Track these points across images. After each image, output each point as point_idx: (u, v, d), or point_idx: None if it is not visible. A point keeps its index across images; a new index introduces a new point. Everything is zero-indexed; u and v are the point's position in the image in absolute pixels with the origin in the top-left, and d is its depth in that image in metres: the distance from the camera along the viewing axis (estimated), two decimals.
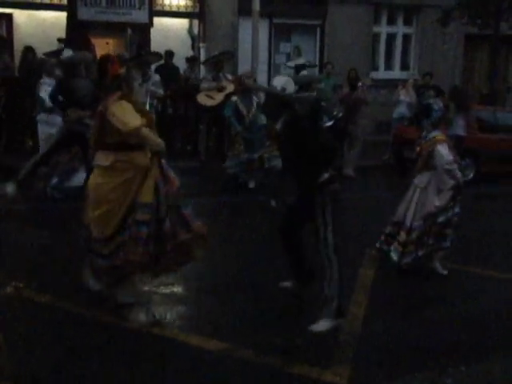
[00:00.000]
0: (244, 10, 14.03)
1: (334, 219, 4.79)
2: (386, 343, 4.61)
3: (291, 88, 5.03)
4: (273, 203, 8.20)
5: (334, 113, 11.02)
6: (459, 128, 10.35)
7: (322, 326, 4.71)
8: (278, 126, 5.00)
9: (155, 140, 4.73)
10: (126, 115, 4.61)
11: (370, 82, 13.22)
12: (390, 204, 9.36)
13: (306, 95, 5.46)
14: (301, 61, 12.37)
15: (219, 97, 11.00)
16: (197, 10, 14.60)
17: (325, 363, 4.24)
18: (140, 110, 4.82)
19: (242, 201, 9.17)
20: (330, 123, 10.68)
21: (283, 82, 5.06)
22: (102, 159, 4.72)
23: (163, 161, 4.81)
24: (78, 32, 12.19)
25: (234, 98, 9.93)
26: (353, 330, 4.79)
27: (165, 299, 5.26)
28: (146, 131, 4.67)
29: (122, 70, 4.86)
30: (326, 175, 4.77)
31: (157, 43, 13.54)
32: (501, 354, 4.49)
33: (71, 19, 12.33)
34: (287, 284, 5.42)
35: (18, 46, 12.51)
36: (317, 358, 4.32)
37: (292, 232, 5.17)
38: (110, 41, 14.81)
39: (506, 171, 11.32)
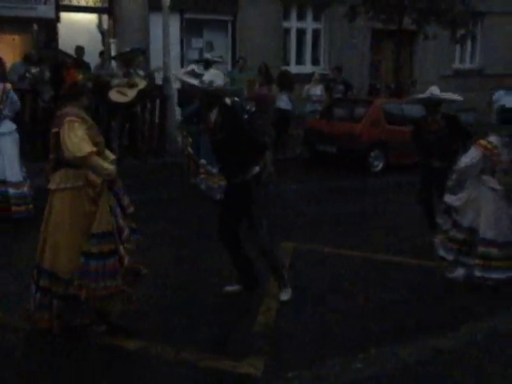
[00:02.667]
0: (154, 4, 13.87)
1: (267, 210, 5.10)
2: (299, 333, 4.76)
3: (220, 81, 5.11)
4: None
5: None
6: (283, 102, 12.67)
7: (286, 295, 5.31)
8: (213, 116, 5.10)
9: (106, 168, 4.27)
10: (76, 139, 4.18)
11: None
12: (305, 196, 9.72)
13: (233, 88, 5.57)
14: (208, 56, 12.34)
15: (132, 93, 10.90)
16: (106, 4, 14.31)
17: (240, 355, 4.32)
18: (94, 129, 4.45)
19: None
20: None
21: (212, 75, 5.16)
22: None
23: (118, 187, 4.45)
24: None
25: None
26: (267, 321, 4.91)
27: None
28: (95, 159, 4.22)
29: (80, 77, 4.50)
30: (257, 168, 5.03)
31: (65, 39, 13.18)
32: (408, 337, 4.72)
33: None
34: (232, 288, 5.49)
35: None
36: (231, 351, 4.41)
37: (231, 232, 5.31)
38: (16, 37, 14.29)
39: (411, 162, 11.80)
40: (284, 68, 14.84)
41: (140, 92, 11.00)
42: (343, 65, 15.27)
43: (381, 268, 6.34)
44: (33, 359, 4.24)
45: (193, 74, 5.68)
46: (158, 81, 12.70)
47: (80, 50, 12.10)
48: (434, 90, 6.86)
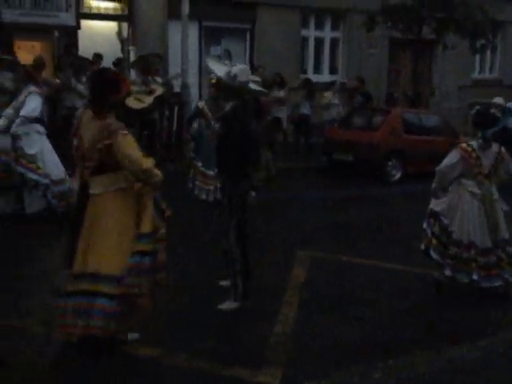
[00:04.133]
0: (173, 12, 13.98)
1: (241, 213, 5.13)
2: (316, 342, 4.71)
3: (244, 78, 5.16)
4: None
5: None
6: (306, 109, 13.55)
7: (227, 305, 5.16)
8: (227, 108, 5.18)
9: (158, 175, 4.34)
10: (137, 152, 4.27)
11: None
12: (321, 205, 9.67)
13: (254, 88, 5.58)
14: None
15: (149, 100, 10.95)
16: (126, 12, 14.43)
17: (257, 364, 4.29)
18: None
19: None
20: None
21: (239, 69, 5.20)
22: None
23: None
24: (1, 34, 11.85)
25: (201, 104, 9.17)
26: (284, 331, 4.87)
27: None
28: (155, 171, 4.31)
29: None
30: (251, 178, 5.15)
31: (85, 46, 13.29)
32: (424, 347, 4.65)
33: None
34: (226, 283, 5.45)
35: None
36: (249, 359, 4.37)
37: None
38: (37, 44, 14.43)
39: (429, 171, 11.73)
40: (303, 76, 14.85)
41: (157, 98, 11.05)
42: (361, 74, 15.24)
43: (398, 277, 6.29)
44: (49, 367, 4.23)
45: (224, 64, 5.66)
46: (177, 88, 12.76)
47: (98, 57, 12.20)
48: (498, 100, 6.85)
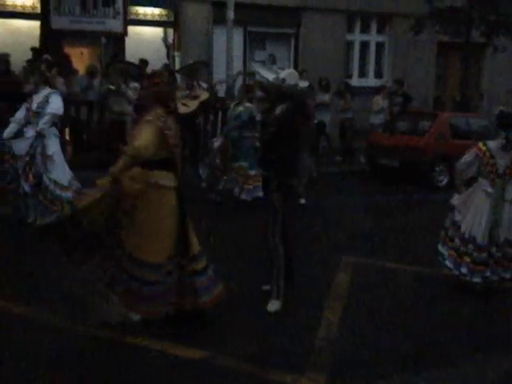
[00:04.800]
0: (218, 18, 14.08)
1: (287, 213, 5.26)
2: (360, 348, 4.64)
3: (292, 81, 5.23)
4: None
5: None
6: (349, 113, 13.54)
7: (274, 307, 5.22)
8: (277, 111, 5.22)
9: (112, 173, 4.47)
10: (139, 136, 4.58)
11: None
12: (366, 210, 9.55)
13: (302, 91, 5.62)
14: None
15: (194, 104, 11.00)
16: (171, 18, 14.61)
17: (301, 369, 4.25)
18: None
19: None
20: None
21: (287, 73, 5.31)
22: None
23: None
24: (51, 41, 12.13)
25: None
26: (328, 336, 4.82)
27: None
28: (124, 159, 4.46)
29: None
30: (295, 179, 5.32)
31: (131, 52, 13.51)
32: (474, 357, 4.53)
33: (45, 28, 12.27)
34: (269, 287, 5.44)
35: None
36: (293, 364, 4.33)
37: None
38: (85, 50, 14.74)
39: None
40: (346, 80, 14.74)
41: (202, 103, 11.10)
42: (408, 78, 15.04)
43: (444, 284, 6.14)
44: (90, 365, 4.28)
45: (271, 69, 5.71)
46: (221, 93, 12.81)
47: (143, 62, 12.37)
48: None
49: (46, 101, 7.57)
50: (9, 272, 5.98)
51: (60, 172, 7.67)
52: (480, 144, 6.00)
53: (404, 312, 5.40)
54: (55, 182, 7.54)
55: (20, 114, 7.66)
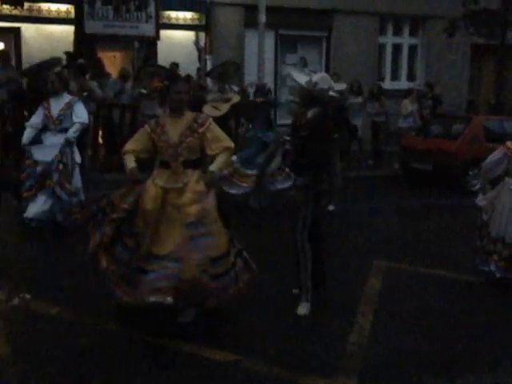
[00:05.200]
0: (250, 21, 14.11)
1: (318, 218, 5.28)
2: (391, 353, 4.58)
3: (324, 85, 5.22)
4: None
5: None
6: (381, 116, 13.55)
7: (304, 310, 5.21)
8: (309, 115, 5.23)
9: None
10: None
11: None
12: (398, 214, 9.45)
13: (337, 97, 5.60)
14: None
15: (225, 107, 11.04)
16: (203, 22, 14.69)
17: (332, 373, 4.22)
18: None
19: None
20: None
21: (319, 77, 5.30)
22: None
23: None
24: (85, 45, 12.29)
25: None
26: (359, 341, 4.77)
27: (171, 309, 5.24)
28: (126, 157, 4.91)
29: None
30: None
31: (163, 56, 13.61)
32: (509, 363, 4.44)
33: (79, 33, 12.45)
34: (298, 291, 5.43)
35: (26, 60, 12.57)
36: (324, 369, 4.30)
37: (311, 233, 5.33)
38: (117, 54, 14.90)
39: None
40: (379, 83, 14.64)
41: (233, 106, 11.13)
42: (441, 81, 14.87)
43: (477, 290, 6.03)
44: (118, 360, 4.30)
45: (303, 71, 5.70)
46: (252, 96, 12.81)
47: (174, 66, 12.45)
48: None
49: (69, 108, 7.47)
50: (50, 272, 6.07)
51: (78, 181, 7.62)
52: (508, 143, 6.01)
53: (435, 317, 5.31)
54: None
55: (37, 118, 7.47)
